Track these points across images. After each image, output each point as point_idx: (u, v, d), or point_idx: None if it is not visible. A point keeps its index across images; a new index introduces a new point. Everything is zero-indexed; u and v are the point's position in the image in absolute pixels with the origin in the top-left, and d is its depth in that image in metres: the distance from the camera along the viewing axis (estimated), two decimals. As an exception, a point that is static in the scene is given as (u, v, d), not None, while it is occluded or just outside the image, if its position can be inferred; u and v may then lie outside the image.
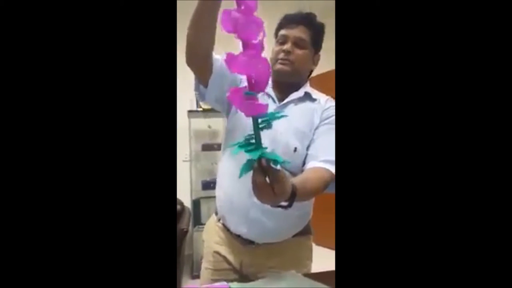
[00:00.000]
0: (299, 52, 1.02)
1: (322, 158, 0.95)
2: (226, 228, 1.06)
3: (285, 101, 1.03)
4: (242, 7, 0.49)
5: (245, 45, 0.49)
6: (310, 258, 1.09)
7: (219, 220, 1.09)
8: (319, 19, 1.06)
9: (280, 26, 1.06)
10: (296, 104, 1.04)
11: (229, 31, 0.49)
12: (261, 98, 1.01)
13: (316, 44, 1.05)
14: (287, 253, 1.03)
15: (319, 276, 0.90)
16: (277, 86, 1.06)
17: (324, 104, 1.04)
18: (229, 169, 1.03)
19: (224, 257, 1.05)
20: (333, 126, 1.01)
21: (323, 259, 1.22)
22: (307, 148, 1.00)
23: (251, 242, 1.01)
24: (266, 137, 0.95)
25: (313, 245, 1.11)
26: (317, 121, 1.02)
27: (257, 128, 0.57)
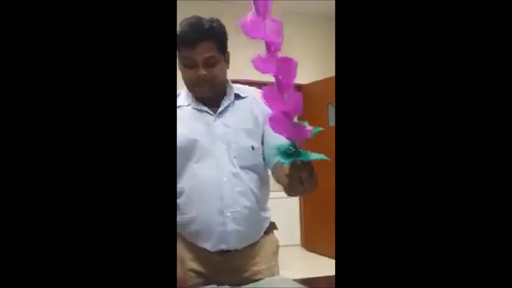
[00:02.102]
0: (214, 70, 0.97)
1: None
2: (199, 246, 1.04)
3: (220, 110, 1.04)
4: (272, 49, 0.53)
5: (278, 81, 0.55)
6: (277, 253, 1.13)
7: (186, 241, 1.06)
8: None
9: (181, 46, 0.96)
10: (231, 108, 1.05)
11: (269, 73, 0.54)
12: (194, 114, 1.04)
13: (224, 50, 1.01)
14: (259, 251, 1.07)
15: (310, 282, 0.97)
16: (205, 100, 1.05)
17: (258, 96, 1.05)
18: (193, 191, 1.01)
19: (200, 272, 1.05)
20: None
21: (315, 265, 1.26)
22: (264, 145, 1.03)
23: (228, 251, 1.02)
24: (223, 147, 1.00)
25: (305, 250, 1.16)
26: (259, 114, 1.04)
27: (294, 144, 0.63)
